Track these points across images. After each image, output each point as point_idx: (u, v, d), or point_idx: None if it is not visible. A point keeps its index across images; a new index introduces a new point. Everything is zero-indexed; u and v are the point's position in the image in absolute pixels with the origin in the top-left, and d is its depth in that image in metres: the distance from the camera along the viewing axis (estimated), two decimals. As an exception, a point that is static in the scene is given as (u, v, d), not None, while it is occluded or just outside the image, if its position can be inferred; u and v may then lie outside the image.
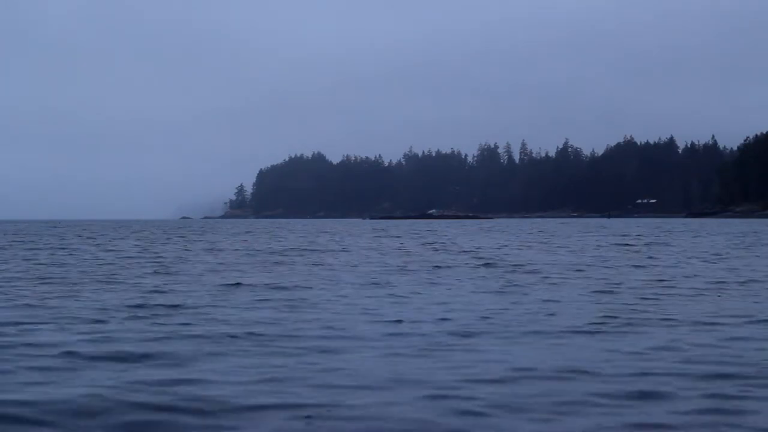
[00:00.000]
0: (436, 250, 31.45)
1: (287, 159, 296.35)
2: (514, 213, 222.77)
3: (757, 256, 26.09)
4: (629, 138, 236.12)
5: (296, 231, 67.47)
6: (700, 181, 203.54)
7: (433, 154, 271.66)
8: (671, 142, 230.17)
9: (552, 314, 11.26)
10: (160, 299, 13.12)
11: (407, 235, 54.93)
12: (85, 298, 13.30)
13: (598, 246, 34.12)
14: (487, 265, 21.74)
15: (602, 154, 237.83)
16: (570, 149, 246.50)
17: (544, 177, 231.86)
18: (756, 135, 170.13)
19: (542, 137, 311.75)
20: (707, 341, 9.02)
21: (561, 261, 23.47)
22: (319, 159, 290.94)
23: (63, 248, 33.49)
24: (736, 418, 5.97)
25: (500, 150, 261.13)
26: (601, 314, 11.15)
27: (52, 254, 28.46)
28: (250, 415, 6.00)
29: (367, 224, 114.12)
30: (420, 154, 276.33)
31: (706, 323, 10.45)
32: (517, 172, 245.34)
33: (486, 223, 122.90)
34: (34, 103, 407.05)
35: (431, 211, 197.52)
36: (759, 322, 10.60)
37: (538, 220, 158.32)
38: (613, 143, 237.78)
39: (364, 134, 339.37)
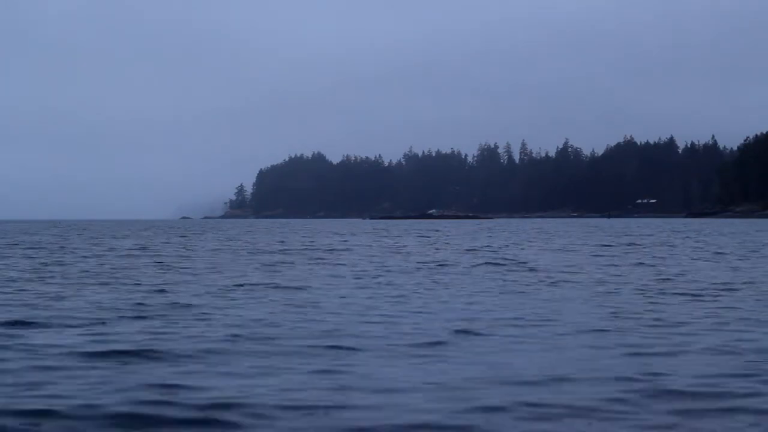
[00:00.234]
0: (437, 249, 31.48)
1: (287, 159, 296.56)
2: (514, 213, 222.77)
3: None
4: (629, 138, 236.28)
5: (296, 231, 67.50)
6: (700, 181, 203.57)
7: (433, 154, 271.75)
8: (671, 142, 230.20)
9: (557, 314, 11.24)
10: (160, 299, 13.10)
11: (408, 234, 54.96)
12: (86, 298, 13.27)
13: (601, 245, 34.13)
14: (488, 264, 21.75)
15: (602, 154, 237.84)
16: (570, 149, 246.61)
17: (544, 177, 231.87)
18: (756, 135, 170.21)
19: (542, 137, 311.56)
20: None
21: (561, 260, 23.48)
22: (319, 159, 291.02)
23: (63, 248, 33.51)
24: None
25: (500, 150, 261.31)
26: (610, 311, 11.12)
27: (52, 254, 28.47)
28: (251, 415, 5.98)
29: (367, 224, 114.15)
30: (420, 154, 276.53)
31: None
32: (517, 172, 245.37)
33: (486, 223, 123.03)
34: (34, 103, 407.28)
35: (431, 211, 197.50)
36: None
37: (538, 220, 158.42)
38: (613, 143, 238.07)
39: (364, 134, 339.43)
